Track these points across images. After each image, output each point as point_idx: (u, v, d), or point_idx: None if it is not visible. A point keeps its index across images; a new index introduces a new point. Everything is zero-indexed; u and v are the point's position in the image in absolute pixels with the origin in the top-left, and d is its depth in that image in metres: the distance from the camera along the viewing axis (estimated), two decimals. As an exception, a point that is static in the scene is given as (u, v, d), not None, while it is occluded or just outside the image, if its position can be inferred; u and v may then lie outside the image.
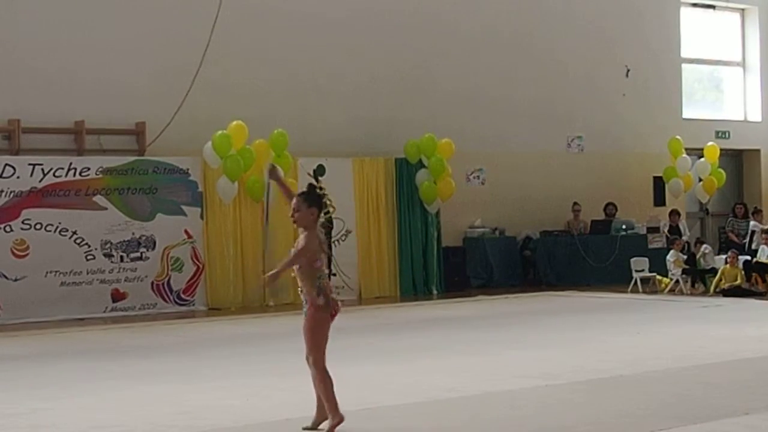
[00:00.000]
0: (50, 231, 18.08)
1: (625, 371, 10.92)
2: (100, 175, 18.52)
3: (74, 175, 18.30)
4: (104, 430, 8.64)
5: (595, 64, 25.29)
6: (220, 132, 18.82)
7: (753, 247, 21.93)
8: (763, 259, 20.66)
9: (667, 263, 21.21)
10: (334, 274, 20.64)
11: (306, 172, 20.39)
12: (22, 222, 17.87)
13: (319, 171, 20.56)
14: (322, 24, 21.65)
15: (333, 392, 8.13)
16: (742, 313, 16.98)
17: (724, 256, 20.96)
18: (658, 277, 21.50)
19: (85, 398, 10.20)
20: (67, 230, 18.23)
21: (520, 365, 11.68)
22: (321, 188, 21.73)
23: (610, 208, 24.24)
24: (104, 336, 15.91)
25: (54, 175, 18.11)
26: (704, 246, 21.87)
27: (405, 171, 21.73)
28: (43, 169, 18.03)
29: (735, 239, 23.06)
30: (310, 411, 8.35)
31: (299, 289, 8.20)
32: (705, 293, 20.39)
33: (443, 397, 9.70)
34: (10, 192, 17.78)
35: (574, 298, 20.44)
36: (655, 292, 20.92)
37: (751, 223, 22.72)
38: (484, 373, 11.18)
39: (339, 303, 8.25)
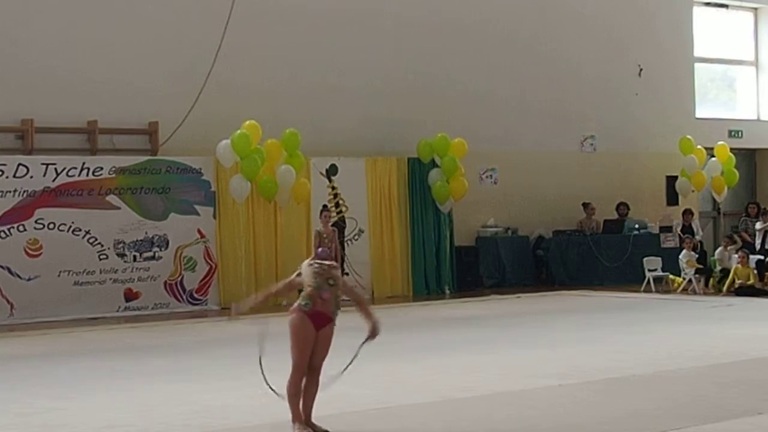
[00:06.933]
0: (63, 230, 18.11)
1: (637, 371, 10.90)
2: (113, 175, 18.55)
3: (87, 174, 18.34)
4: (117, 430, 8.65)
5: (608, 63, 25.26)
6: (238, 131, 18.82)
7: (766, 247, 21.85)
8: (776, 259, 20.64)
9: (680, 263, 21.16)
10: (347, 274, 20.65)
11: (318, 171, 20.42)
12: (36, 221, 17.90)
13: (332, 170, 20.58)
14: (335, 24, 21.65)
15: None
16: (755, 313, 16.96)
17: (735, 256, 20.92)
18: (671, 276, 21.47)
19: (97, 398, 10.22)
20: (80, 230, 18.27)
21: (532, 364, 11.67)
22: (333, 188, 21.88)
23: (622, 208, 24.20)
24: (117, 335, 15.93)
25: (67, 174, 18.15)
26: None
27: (418, 170, 21.72)
28: (56, 169, 18.07)
29: (748, 239, 22.98)
30: (322, 410, 8.35)
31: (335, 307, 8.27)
32: (718, 293, 20.35)
33: (456, 396, 9.70)
34: (24, 191, 17.82)
35: (587, 297, 20.42)
36: (668, 292, 20.89)
37: (758, 224, 22.62)
38: (497, 372, 11.18)
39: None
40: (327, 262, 8.39)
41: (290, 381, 8.16)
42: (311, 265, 8.28)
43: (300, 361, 8.13)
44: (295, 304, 8.22)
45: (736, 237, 22.33)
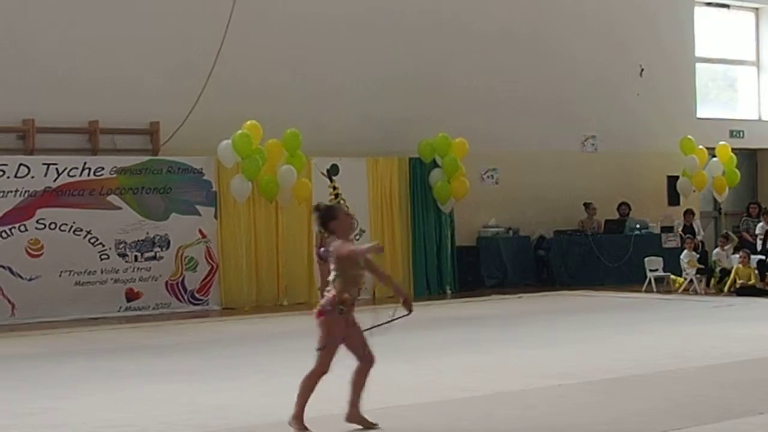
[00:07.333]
0: (65, 230, 18.12)
1: (638, 371, 10.90)
2: (115, 175, 18.56)
3: (88, 174, 18.35)
4: (117, 429, 8.66)
5: (609, 63, 25.24)
6: (239, 131, 18.81)
7: (767, 246, 21.85)
8: (777, 259, 20.61)
9: (681, 263, 21.15)
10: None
11: (319, 171, 20.41)
12: (37, 222, 17.91)
13: (333, 170, 20.55)
14: (336, 24, 21.64)
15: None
16: (756, 313, 16.94)
17: (736, 256, 20.90)
18: (672, 276, 21.45)
19: (98, 397, 10.22)
20: (82, 230, 18.27)
21: (533, 365, 11.67)
22: (335, 188, 21.88)
23: (623, 208, 24.18)
24: (118, 335, 15.94)
25: (68, 174, 18.16)
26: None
27: (419, 170, 21.73)
28: (57, 169, 18.08)
29: (749, 239, 22.97)
30: (324, 410, 8.36)
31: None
32: (719, 293, 20.33)
33: (456, 396, 9.70)
34: (25, 192, 17.83)
35: (588, 297, 20.42)
36: (669, 292, 20.87)
37: (759, 224, 22.59)
38: (497, 372, 11.18)
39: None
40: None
41: (309, 375, 8.19)
42: (353, 268, 8.57)
43: (328, 357, 8.17)
44: (327, 307, 8.23)
45: (731, 235, 22.27)
